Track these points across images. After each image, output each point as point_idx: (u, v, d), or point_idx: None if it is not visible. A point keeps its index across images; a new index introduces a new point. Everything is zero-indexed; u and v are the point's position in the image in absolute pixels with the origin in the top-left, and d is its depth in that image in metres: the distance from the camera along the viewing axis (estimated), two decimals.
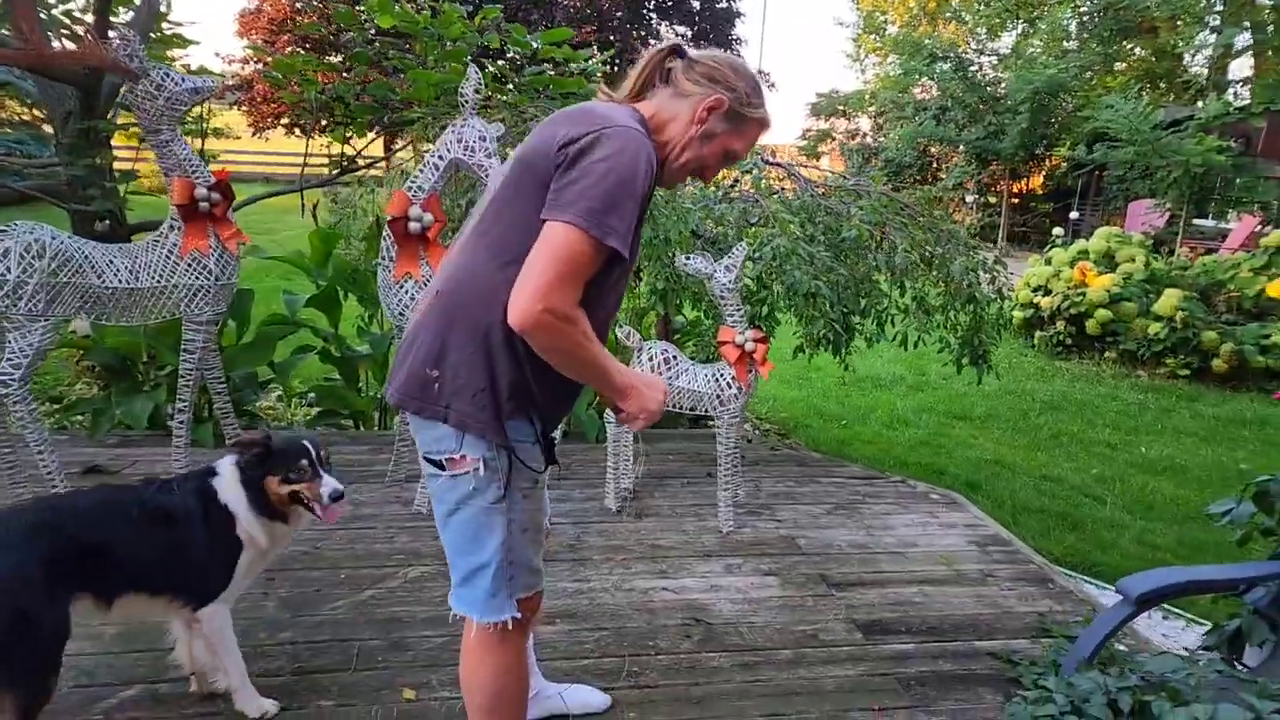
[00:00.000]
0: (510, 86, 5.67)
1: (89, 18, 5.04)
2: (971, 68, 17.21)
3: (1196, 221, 13.71)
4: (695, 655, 2.59)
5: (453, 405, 1.53)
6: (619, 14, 18.99)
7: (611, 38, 17.89)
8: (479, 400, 1.52)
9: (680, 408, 3.43)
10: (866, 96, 22.76)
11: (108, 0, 4.64)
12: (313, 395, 4.67)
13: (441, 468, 1.59)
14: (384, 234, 3.23)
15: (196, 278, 3.32)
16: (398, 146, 7.08)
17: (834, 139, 23.38)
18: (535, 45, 5.59)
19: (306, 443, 2.06)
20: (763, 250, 3.33)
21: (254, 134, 16.62)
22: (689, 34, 20.77)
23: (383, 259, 3.25)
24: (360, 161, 6.74)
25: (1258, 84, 13.08)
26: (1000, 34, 20.47)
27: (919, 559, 3.35)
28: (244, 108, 15.10)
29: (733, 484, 3.49)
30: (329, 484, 2.04)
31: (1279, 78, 13.56)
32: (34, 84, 5.41)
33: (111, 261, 3.15)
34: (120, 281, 3.16)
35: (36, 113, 6.86)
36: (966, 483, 4.90)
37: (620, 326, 3.50)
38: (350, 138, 6.69)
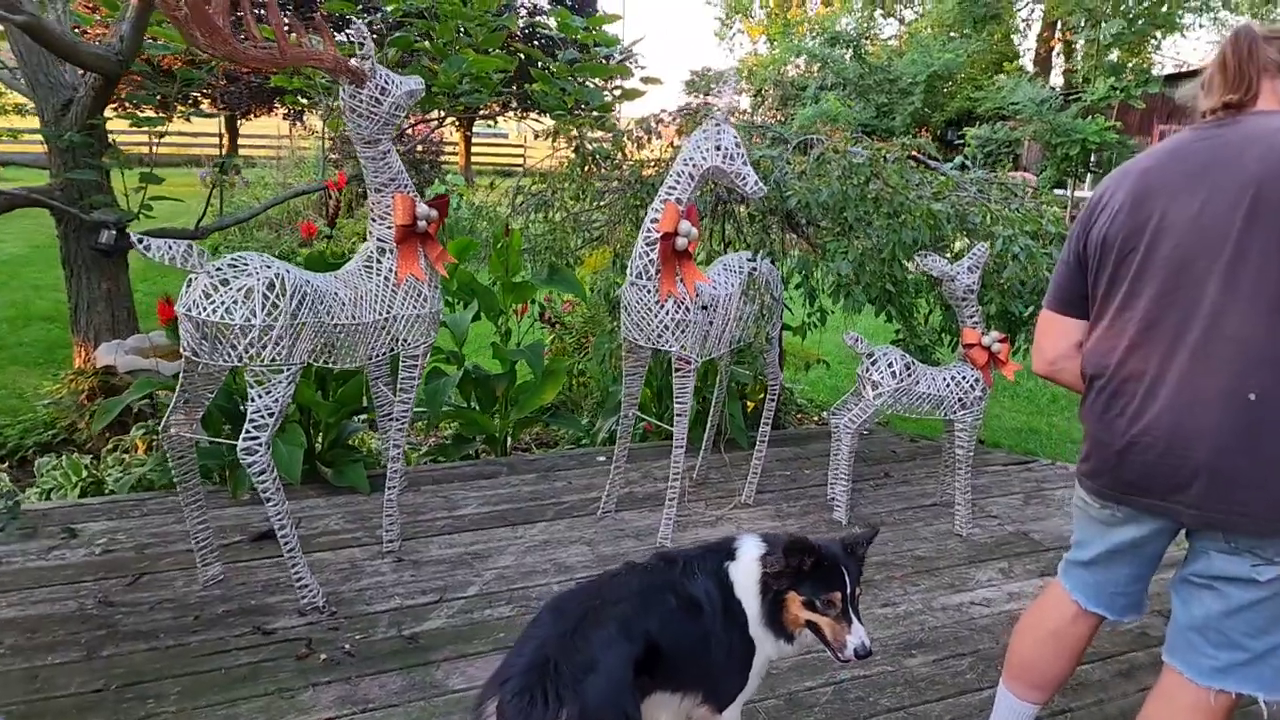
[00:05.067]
0: (550, 70, 5.26)
1: None
2: (862, 50, 17.93)
3: (1057, 192, 15.06)
4: (1082, 669, 2.56)
5: None
6: None
7: None
8: None
9: (918, 414, 3.37)
10: (744, 73, 23.20)
11: None
12: (454, 425, 4.23)
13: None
14: (641, 250, 2.94)
15: (414, 306, 2.91)
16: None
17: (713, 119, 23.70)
18: (584, 28, 5.25)
19: (845, 575, 1.77)
20: (1008, 248, 3.31)
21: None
22: (547, 6, 20.04)
23: (638, 278, 2.96)
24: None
25: (1137, 69, 14.55)
26: (891, 13, 21.46)
27: None
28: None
29: (968, 485, 3.47)
30: (858, 636, 1.74)
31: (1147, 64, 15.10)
32: (20, 72, 4.52)
33: (336, 294, 2.70)
34: (346, 317, 2.71)
35: None
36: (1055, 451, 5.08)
37: (847, 333, 3.38)
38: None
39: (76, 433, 4.32)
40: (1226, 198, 1.48)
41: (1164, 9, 16.57)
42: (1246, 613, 1.56)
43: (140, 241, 2.30)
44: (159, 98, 4.75)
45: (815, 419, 5.22)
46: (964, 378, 3.33)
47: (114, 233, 4.58)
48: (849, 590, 1.77)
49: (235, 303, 2.37)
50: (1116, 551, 1.80)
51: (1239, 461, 1.48)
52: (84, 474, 3.69)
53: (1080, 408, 1.79)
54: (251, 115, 16.71)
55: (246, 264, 2.44)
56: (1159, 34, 17.53)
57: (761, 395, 4.43)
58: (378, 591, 2.78)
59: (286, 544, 2.61)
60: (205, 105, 14.23)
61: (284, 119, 17.35)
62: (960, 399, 3.33)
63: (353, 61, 2.61)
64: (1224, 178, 1.49)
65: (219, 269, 2.41)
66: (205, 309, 2.37)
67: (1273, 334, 1.44)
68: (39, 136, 4.70)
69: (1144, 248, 1.59)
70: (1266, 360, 1.45)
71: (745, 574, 1.81)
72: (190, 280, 2.41)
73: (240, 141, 18.52)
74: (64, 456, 3.85)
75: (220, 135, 18.26)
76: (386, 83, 2.71)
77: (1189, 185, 1.54)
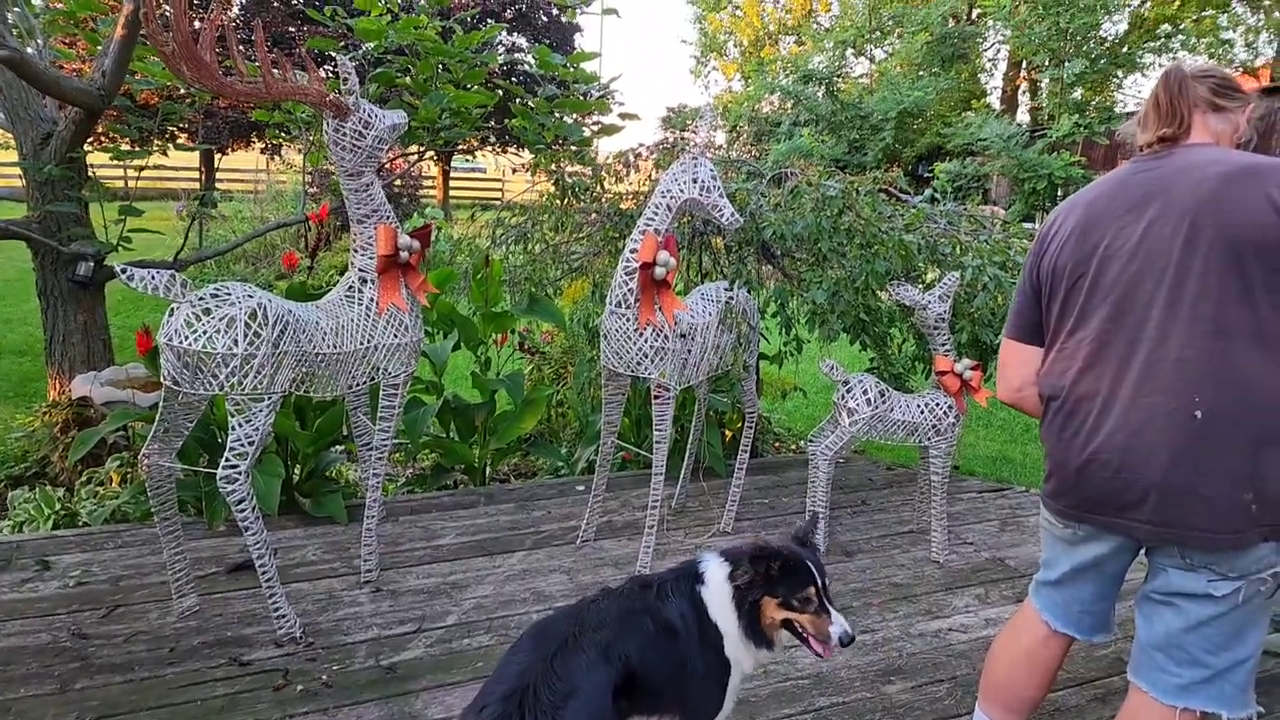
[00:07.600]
0: (530, 105, 5.35)
1: None
2: (834, 88, 18.33)
3: (1026, 225, 15.41)
4: (1054, 695, 2.60)
5: (1268, 520, 1.50)
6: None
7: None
8: None
9: (894, 440, 3.43)
10: (719, 110, 23.57)
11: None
12: (432, 455, 4.22)
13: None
14: (620, 280, 2.99)
15: (395, 336, 2.93)
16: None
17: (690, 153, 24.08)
18: (564, 65, 5.33)
19: (812, 568, 1.83)
20: (977, 277, 3.40)
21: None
22: (525, 45, 20.38)
23: (617, 306, 3.01)
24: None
25: (1100, 106, 15.02)
26: (861, 53, 21.97)
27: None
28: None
29: (944, 512, 3.52)
30: (839, 625, 1.80)
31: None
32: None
33: (318, 323, 2.71)
34: (327, 346, 2.72)
35: None
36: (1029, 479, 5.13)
37: (823, 361, 3.43)
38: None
39: (50, 465, 4.27)
40: (1166, 225, 1.56)
41: (1124, 50, 17.12)
42: (1205, 628, 1.60)
43: (124, 271, 2.31)
44: (139, 132, 4.78)
45: (793, 447, 5.26)
46: (938, 404, 3.39)
47: (92, 265, 4.58)
48: (820, 582, 1.82)
49: (217, 332, 2.38)
50: (1081, 570, 1.84)
51: (1188, 478, 1.53)
52: (57, 507, 3.64)
53: (1040, 429, 1.84)
54: (229, 150, 16.79)
55: (229, 293, 2.46)
56: (1120, 73, 18.09)
57: (739, 424, 4.47)
58: (355, 622, 2.77)
59: (265, 574, 2.59)
60: (183, 139, 14.35)
61: (261, 153, 17.46)
62: (934, 425, 3.39)
63: (335, 95, 2.66)
64: (1163, 207, 1.58)
65: (201, 299, 2.43)
66: (187, 338, 2.38)
67: (1213, 354, 1.51)
68: (15, 170, 4.71)
69: (1092, 273, 1.67)
70: (1209, 380, 1.51)
71: (717, 594, 1.84)
72: (173, 310, 2.42)
73: (218, 176, 18.58)
74: (37, 489, 3.80)
75: (200, 170, 18.33)
76: (370, 116, 2.76)
77: (1131, 214, 1.63)
